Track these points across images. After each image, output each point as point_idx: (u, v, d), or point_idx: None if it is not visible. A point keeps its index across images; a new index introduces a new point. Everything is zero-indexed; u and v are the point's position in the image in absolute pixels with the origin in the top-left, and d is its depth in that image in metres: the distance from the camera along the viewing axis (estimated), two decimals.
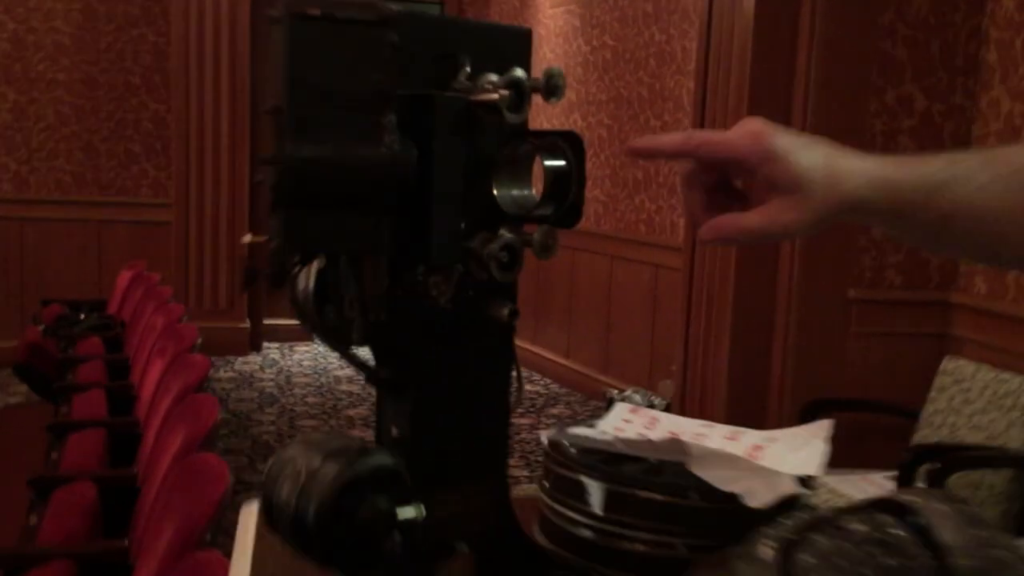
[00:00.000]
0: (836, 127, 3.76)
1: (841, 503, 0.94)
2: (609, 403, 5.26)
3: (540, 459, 1.35)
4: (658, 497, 1.00)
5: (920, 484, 3.06)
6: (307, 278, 0.87)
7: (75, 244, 6.78)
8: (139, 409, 3.80)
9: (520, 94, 0.83)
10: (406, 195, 0.78)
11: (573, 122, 6.64)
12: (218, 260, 6.91)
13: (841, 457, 3.80)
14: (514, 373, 0.95)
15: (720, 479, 0.99)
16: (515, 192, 0.90)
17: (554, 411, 6.07)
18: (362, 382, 5.68)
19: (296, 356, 7.22)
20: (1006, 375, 3.37)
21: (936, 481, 3.01)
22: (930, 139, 3.80)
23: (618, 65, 6.22)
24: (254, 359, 7.07)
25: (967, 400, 3.46)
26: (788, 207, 0.83)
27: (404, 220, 0.79)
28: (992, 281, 3.66)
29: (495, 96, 0.81)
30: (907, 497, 0.85)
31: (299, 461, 0.83)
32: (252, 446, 5.12)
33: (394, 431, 0.88)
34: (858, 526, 0.81)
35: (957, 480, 3.17)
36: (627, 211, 6.05)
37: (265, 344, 7.36)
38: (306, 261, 0.82)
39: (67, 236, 6.77)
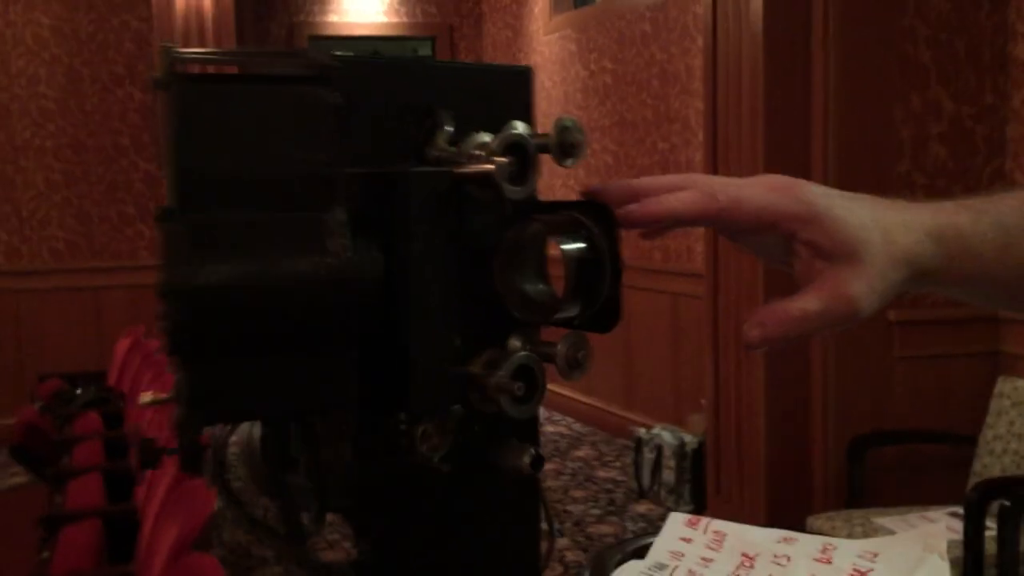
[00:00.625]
0: (861, 138, 3.52)
1: None
2: (637, 443, 5.01)
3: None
4: None
5: (991, 523, 2.79)
6: (251, 432, 0.62)
7: (72, 313, 6.57)
8: (139, 492, 3.57)
9: (524, 159, 0.59)
10: (369, 320, 0.54)
11: None
12: None
13: (896, 492, 3.50)
14: (544, 526, 0.71)
15: None
16: (527, 287, 0.66)
17: (579, 453, 5.81)
18: None
19: None
20: None
21: (1009, 519, 2.74)
22: (963, 144, 3.56)
23: (620, 88, 6.00)
24: None
25: None
26: (848, 277, 0.64)
27: (371, 356, 0.55)
28: None
29: (490, 166, 0.56)
30: None
31: None
32: (264, 515, 4.86)
33: None
34: None
35: None
36: (640, 238, 5.80)
37: None
38: (233, 426, 0.58)
39: (64, 305, 6.57)
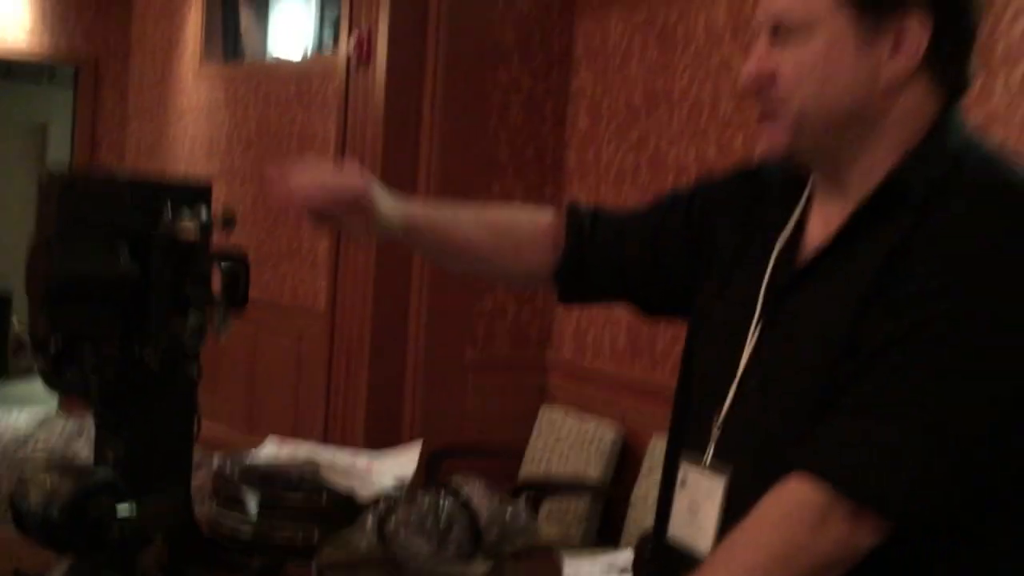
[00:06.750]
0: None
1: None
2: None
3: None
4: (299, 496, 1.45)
5: None
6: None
7: None
8: None
9: (206, 231, 1.26)
10: (132, 297, 1.18)
11: (218, 190, 6.81)
12: None
13: None
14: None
15: (342, 484, 1.45)
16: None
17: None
18: None
19: None
20: (588, 421, 4.12)
21: (535, 506, 3.66)
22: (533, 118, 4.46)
23: (263, 140, 6.58)
24: None
25: (559, 439, 4.18)
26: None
27: (130, 313, 1.19)
28: (577, 340, 4.45)
29: (191, 235, 1.23)
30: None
31: (43, 477, 1.19)
32: None
33: (110, 455, 1.27)
34: (424, 499, 1.31)
35: (551, 505, 3.85)
36: (271, 280, 6.35)
37: None
38: (68, 340, 1.19)
39: None
